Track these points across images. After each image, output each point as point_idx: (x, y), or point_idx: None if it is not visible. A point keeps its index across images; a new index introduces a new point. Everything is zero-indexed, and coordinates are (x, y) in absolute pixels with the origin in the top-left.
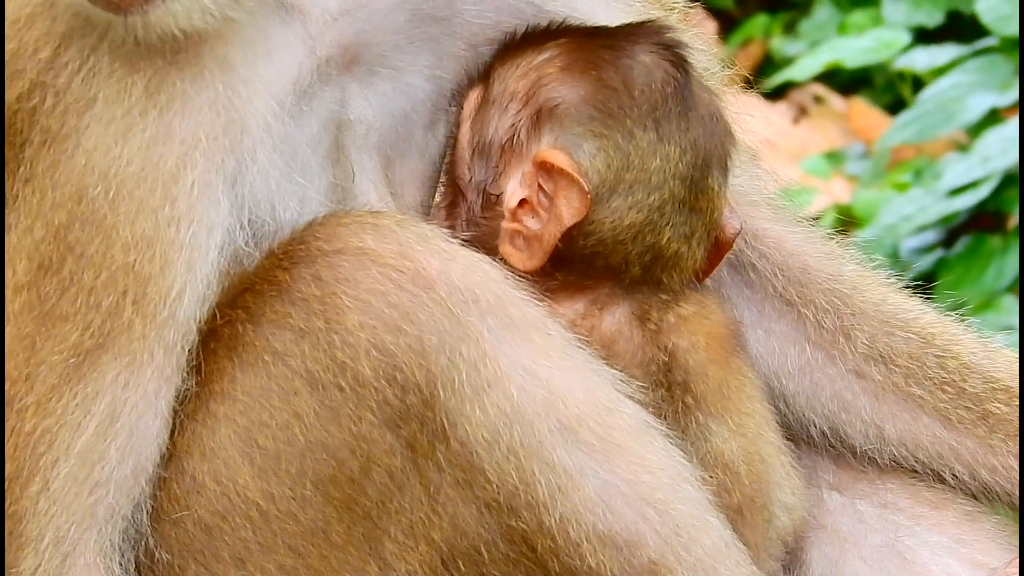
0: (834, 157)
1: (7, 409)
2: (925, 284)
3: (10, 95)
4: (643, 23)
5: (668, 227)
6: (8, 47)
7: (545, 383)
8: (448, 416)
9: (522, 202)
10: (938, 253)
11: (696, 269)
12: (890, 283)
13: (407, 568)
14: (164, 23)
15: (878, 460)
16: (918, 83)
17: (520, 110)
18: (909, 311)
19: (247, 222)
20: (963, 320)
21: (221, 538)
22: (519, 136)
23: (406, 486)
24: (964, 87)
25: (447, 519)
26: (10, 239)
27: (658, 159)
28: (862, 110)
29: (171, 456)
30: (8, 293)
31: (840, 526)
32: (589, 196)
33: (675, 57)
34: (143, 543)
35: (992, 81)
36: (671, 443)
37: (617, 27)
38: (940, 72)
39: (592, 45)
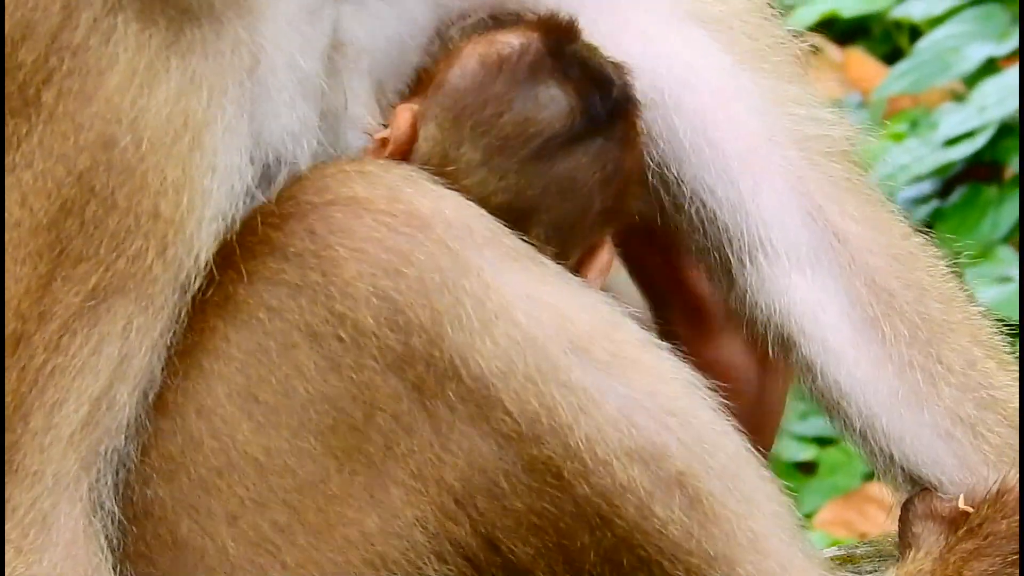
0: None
1: (16, 345)
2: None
3: (26, 57)
4: (616, 64)
5: None
6: (17, 14)
7: (550, 307)
8: (458, 352)
9: (383, 140)
10: (934, 203)
11: None
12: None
13: (415, 513)
14: None
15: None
16: (915, 32)
17: (433, 64)
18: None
19: (256, 161)
20: (959, 271)
21: (217, 495)
22: (413, 84)
23: (414, 429)
24: (961, 36)
25: (462, 457)
26: (23, 176)
27: (471, 180)
28: (859, 60)
29: (163, 413)
30: (22, 234)
31: None
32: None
33: (588, 110)
34: (138, 495)
35: (989, 30)
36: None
37: (592, 49)
38: (937, 21)
39: (543, 50)
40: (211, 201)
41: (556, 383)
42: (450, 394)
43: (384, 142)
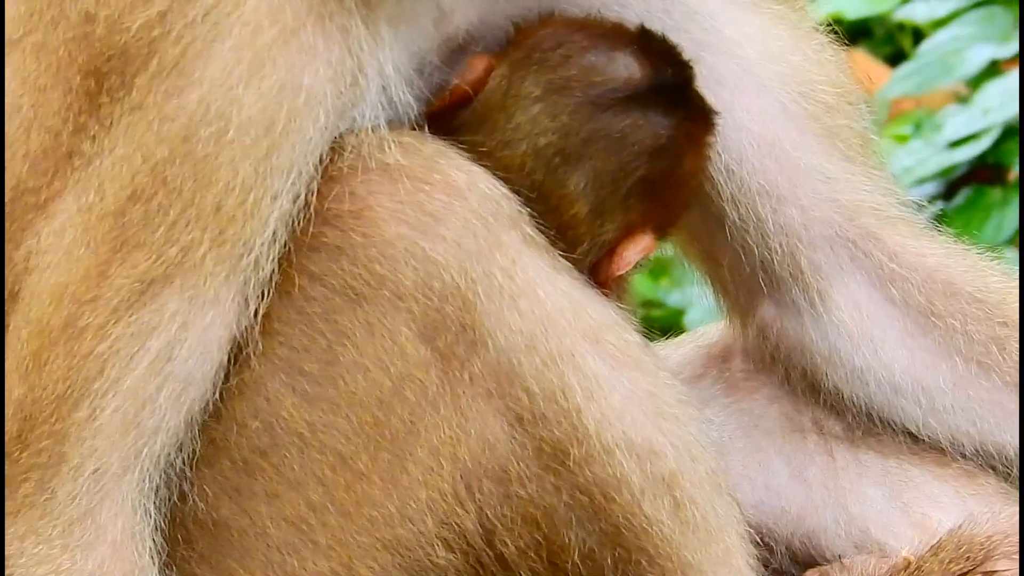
0: None
1: (70, 327)
2: None
3: (133, 22)
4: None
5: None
6: None
7: (566, 294)
8: (486, 322)
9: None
10: (938, 205)
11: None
12: None
13: (429, 495)
14: None
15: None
16: (918, 35)
17: (520, 33)
18: None
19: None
20: None
21: (261, 475)
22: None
23: (438, 402)
24: (964, 39)
25: (475, 435)
26: (103, 163)
27: (524, 116)
28: (862, 61)
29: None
30: (92, 218)
31: (844, 479)
32: (448, 100)
33: (656, 79)
34: (178, 484)
35: (992, 33)
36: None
37: (673, 53)
38: (940, 24)
39: (633, 31)
40: (278, 208)
41: (572, 366)
42: (475, 366)
43: (452, 93)
